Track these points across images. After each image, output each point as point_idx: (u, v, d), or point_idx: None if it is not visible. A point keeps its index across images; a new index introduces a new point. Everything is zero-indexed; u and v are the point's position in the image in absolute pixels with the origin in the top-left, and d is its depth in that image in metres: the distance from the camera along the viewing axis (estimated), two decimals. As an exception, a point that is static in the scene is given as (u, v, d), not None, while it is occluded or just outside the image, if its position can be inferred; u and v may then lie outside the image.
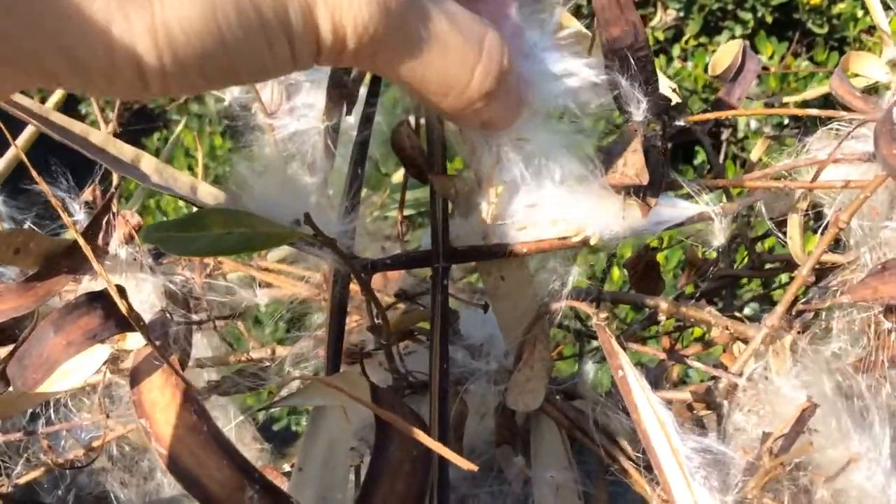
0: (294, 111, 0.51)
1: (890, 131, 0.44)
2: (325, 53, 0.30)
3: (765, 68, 2.09)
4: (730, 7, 2.45)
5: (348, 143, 0.46)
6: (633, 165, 0.43)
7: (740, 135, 2.25)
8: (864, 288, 0.46)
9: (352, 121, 0.48)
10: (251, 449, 0.63)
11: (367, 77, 0.47)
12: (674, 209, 0.45)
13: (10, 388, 0.43)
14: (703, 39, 2.46)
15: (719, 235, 0.46)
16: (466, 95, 0.34)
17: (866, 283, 0.46)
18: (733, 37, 2.33)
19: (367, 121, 0.44)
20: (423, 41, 0.31)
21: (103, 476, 0.57)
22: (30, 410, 0.56)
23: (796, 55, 2.36)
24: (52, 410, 0.55)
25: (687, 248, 0.75)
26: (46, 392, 0.46)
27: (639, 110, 0.44)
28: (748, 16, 2.44)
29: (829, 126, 0.52)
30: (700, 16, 2.45)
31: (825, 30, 2.41)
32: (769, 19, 2.45)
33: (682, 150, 2.29)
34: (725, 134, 2.26)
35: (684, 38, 2.47)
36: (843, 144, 0.51)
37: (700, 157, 2.28)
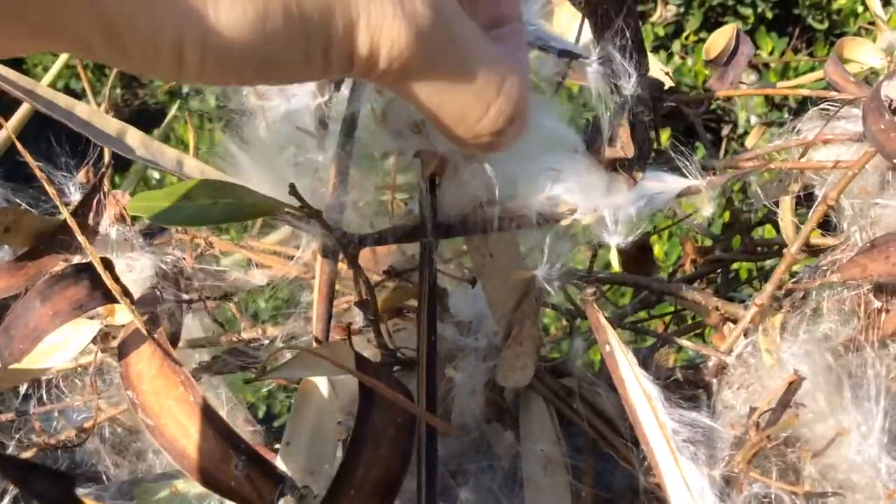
0: (284, 91, 0.51)
1: (878, 107, 0.44)
2: (356, 68, 0.30)
3: (765, 64, 2.09)
4: (730, 2, 2.45)
5: (339, 118, 0.46)
6: (618, 139, 0.43)
7: (740, 130, 2.25)
8: (853, 266, 0.46)
9: (346, 94, 0.48)
10: (243, 431, 0.62)
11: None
12: (661, 183, 0.45)
13: (-1, 363, 0.43)
14: (703, 35, 2.45)
15: (707, 205, 0.46)
16: (476, 129, 0.34)
17: (856, 261, 0.46)
18: (734, 32, 2.32)
19: (354, 94, 0.44)
20: (448, 75, 0.32)
21: (95, 457, 0.57)
22: (22, 392, 0.56)
23: (796, 51, 2.35)
24: (43, 391, 0.55)
25: (683, 236, 0.75)
26: (35, 368, 0.46)
27: (628, 83, 0.44)
28: (748, 11, 2.44)
29: (820, 106, 0.52)
30: (700, 11, 2.44)
31: (825, 25, 2.41)
32: (769, 15, 2.44)
33: (682, 146, 2.28)
34: (726, 130, 2.25)
35: (684, 34, 2.47)
36: (835, 126, 0.51)
37: (700, 153, 2.28)
